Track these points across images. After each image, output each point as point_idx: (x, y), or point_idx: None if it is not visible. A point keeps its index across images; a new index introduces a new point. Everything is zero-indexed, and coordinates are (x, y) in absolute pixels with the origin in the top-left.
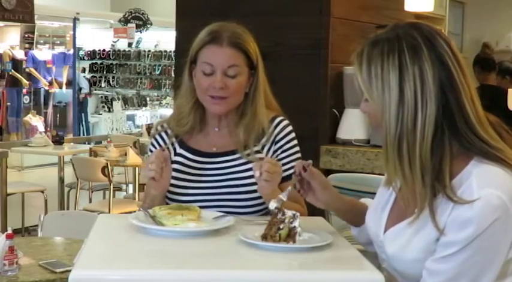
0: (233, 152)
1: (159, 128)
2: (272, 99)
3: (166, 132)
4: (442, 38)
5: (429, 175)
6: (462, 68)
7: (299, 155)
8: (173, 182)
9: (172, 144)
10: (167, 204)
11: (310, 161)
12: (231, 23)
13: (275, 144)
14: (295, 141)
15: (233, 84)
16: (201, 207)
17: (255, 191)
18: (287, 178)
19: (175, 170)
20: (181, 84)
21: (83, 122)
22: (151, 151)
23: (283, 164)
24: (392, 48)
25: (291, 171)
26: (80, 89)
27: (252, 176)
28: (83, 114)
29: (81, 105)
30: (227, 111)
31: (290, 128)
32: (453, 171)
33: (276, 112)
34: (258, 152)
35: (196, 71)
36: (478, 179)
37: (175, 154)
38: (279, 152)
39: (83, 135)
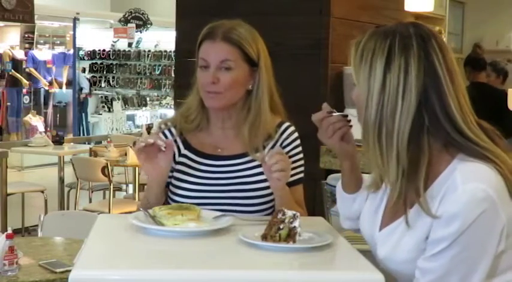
0: (239, 156)
1: (162, 126)
2: (279, 102)
3: (170, 131)
4: (436, 41)
5: (404, 167)
6: (451, 73)
7: (302, 162)
8: (176, 183)
9: (176, 141)
10: (169, 204)
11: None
12: (237, 20)
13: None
14: (300, 148)
15: (226, 78)
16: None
17: (259, 197)
18: (293, 183)
19: (178, 170)
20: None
21: (83, 122)
22: None
23: None
24: (386, 39)
25: (296, 177)
26: (81, 89)
27: (257, 182)
28: (83, 114)
29: (81, 105)
30: (223, 107)
31: (296, 134)
32: (435, 171)
33: (282, 117)
34: None
35: None
36: (462, 174)
37: (180, 155)
38: None
39: (83, 135)
